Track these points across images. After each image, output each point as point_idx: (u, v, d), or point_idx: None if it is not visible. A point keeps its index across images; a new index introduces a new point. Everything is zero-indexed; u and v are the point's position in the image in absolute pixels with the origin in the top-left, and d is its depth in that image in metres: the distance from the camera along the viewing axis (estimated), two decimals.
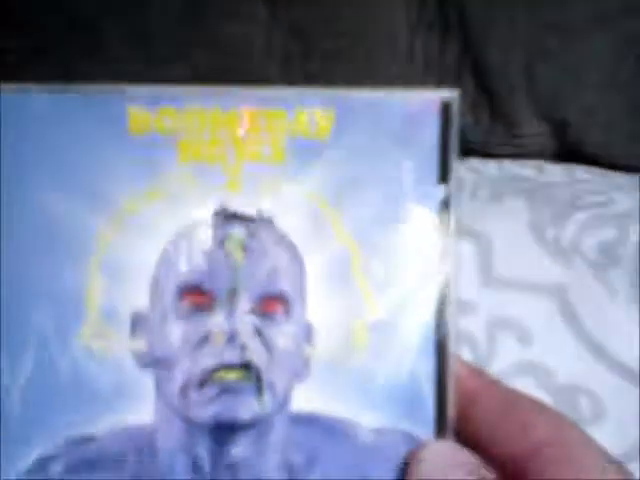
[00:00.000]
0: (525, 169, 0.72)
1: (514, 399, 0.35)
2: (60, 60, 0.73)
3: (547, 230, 0.61)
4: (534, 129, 0.76)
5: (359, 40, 0.73)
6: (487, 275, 0.58)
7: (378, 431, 0.35)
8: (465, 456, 0.33)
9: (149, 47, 0.74)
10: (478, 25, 0.73)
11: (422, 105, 0.36)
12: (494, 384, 0.36)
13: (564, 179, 0.70)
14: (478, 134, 0.74)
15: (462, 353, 0.35)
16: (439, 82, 0.74)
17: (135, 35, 0.74)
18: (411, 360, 0.35)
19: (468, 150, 0.70)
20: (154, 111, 0.35)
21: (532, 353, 0.56)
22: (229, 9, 0.74)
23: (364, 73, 0.74)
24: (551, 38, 0.72)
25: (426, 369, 0.35)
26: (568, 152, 0.76)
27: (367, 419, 0.35)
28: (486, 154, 0.74)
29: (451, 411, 0.35)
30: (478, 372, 0.36)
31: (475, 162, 0.71)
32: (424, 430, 0.35)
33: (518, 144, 0.76)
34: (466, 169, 0.67)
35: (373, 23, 0.72)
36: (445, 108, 0.36)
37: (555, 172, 0.72)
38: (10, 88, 0.35)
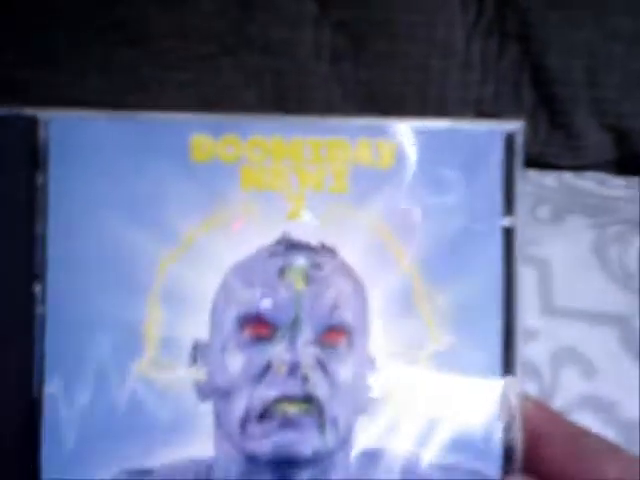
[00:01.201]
0: (586, 182, 0.72)
1: (581, 436, 0.36)
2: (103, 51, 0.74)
3: (611, 251, 0.61)
4: (595, 139, 0.75)
5: (413, 44, 0.73)
6: (548, 303, 0.59)
7: (444, 468, 0.35)
8: None
9: (194, 44, 0.74)
10: (539, 29, 0.73)
11: (487, 136, 0.36)
12: (561, 420, 0.36)
13: (628, 193, 0.70)
14: (536, 144, 0.74)
15: (526, 384, 0.36)
16: (496, 89, 0.74)
17: (181, 31, 0.74)
18: (477, 394, 0.36)
19: (526, 161, 0.70)
20: (217, 139, 0.36)
21: (595, 386, 0.56)
22: (277, 9, 0.74)
23: (418, 77, 0.74)
24: (616, 45, 0.72)
25: (493, 402, 0.35)
26: (629, 163, 0.76)
27: (432, 456, 0.35)
28: (544, 164, 0.74)
29: (519, 447, 0.35)
30: (544, 407, 0.37)
31: (533, 174, 0.71)
32: (491, 468, 0.36)
33: (577, 155, 0.76)
34: (524, 182, 0.66)
35: (428, 26, 0.73)
36: (510, 139, 0.36)
37: (618, 185, 0.71)
38: (74, 115, 0.36)
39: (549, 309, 0.58)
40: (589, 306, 0.59)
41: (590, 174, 0.73)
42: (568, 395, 0.55)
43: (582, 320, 0.58)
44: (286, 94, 0.76)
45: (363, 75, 0.75)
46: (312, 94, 0.76)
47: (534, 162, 0.73)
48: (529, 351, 0.54)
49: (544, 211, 0.65)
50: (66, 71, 0.74)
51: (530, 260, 0.59)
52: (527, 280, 0.55)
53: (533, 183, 0.70)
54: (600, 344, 0.58)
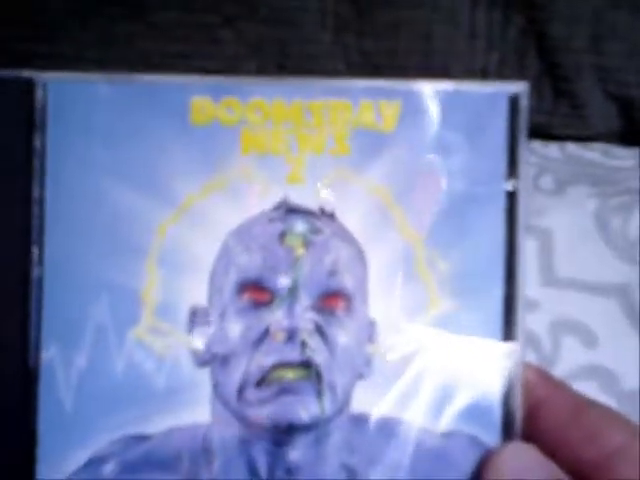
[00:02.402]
0: (590, 152, 0.71)
1: (583, 404, 0.36)
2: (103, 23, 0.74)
3: (613, 221, 0.61)
4: (600, 108, 0.75)
5: (418, 12, 0.72)
6: (549, 274, 0.58)
7: (442, 434, 0.35)
8: (543, 459, 0.34)
9: (195, 14, 0.74)
10: None
11: (490, 98, 0.36)
12: (562, 388, 0.36)
13: (631, 164, 0.69)
14: (541, 114, 0.73)
15: (526, 353, 0.35)
16: (501, 58, 0.73)
17: (181, 2, 0.74)
18: (477, 360, 0.35)
19: (530, 131, 0.70)
20: (217, 102, 0.35)
21: (596, 356, 0.56)
22: None
23: (422, 46, 0.73)
24: (621, 12, 0.72)
25: (493, 370, 0.35)
26: (634, 134, 0.76)
27: (430, 421, 0.35)
28: (548, 135, 0.73)
29: (519, 415, 0.35)
30: (546, 375, 0.36)
31: (537, 145, 0.70)
32: (491, 434, 0.35)
33: (582, 124, 0.75)
34: (528, 152, 0.66)
35: None
36: (514, 101, 0.36)
37: (623, 156, 0.71)
38: (72, 77, 0.36)
39: (550, 279, 0.58)
40: (591, 276, 0.59)
41: (594, 145, 0.73)
42: (568, 365, 0.55)
43: (583, 290, 0.58)
44: (288, 64, 0.75)
45: (367, 44, 0.74)
46: (315, 64, 0.75)
47: (539, 133, 0.73)
48: (529, 321, 0.54)
49: (547, 181, 0.65)
50: (66, 44, 0.73)
51: (532, 230, 0.59)
52: (528, 250, 0.55)
53: (536, 154, 0.69)
54: (601, 314, 0.57)
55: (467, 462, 0.35)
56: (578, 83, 0.74)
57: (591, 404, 0.36)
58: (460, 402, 0.36)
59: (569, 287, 0.58)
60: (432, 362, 0.36)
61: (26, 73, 0.36)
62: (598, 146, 0.72)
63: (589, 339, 0.57)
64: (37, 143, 0.36)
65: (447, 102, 0.36)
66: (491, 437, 0.35)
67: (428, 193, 0.36)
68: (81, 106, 0.36)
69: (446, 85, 0.36)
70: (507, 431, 0.35)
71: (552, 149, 0.71)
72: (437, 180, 0.36)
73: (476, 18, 0.73)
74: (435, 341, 0.36)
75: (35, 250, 0.36)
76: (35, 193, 0.36)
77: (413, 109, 0.36)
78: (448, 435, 0.35)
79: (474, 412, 0.36)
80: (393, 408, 0.35)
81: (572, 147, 0.72)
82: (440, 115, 0.36)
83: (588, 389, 0.37)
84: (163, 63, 0.74)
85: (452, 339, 0.36)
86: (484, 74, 0.73)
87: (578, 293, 0.58)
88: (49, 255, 0.36)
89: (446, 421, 0.36)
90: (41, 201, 0.36)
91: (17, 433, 0.35)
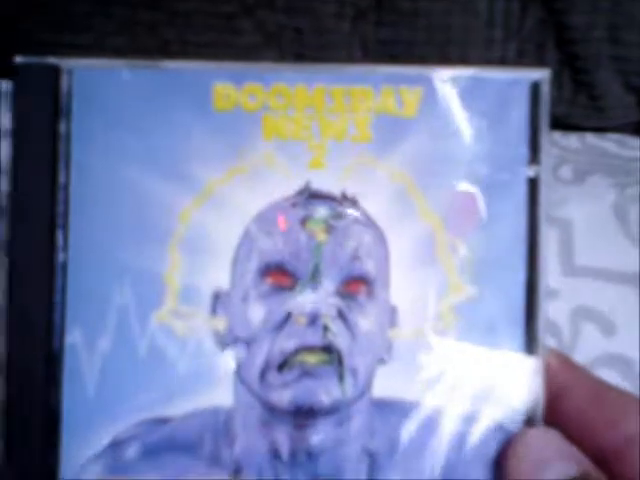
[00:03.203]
0: (608, 143, 0.71)
1: (604, 390, 0.36)
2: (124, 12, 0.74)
3: (631, 212, 0.61)
4: (619, 99, 0.75)
5: (436, 3, 0.72)
6: (568, 263, 0.58)
7: (464, 420, 0.35)
8: (566, 444, 0.34)
9: (214, 3, 0.74)
10: None
11: (512, 84, 0.36)
12: (584, 374, 0.36)
13: None
14: (560, 105, 0.73)
15: (547, 341, 0.35)
16: (520, 49, 0.73)
17: None
18: (499, 345, 0.35)
19: (550, 121, 0.69)
20: (239, 88, 0.35)
21: (615, 344, 0.56)
22: None
23: (440, 37, 0.73)
24: (639, 3, 0.71)
25: (514, 355, 0.35)
26: None
27: (452, 406, 0.35)
28: (568, 126, 0.73)
29: (541, 401, 0.35)
30: (567, 361, 0.36)
31: (557, 135, 0.70)
32: (513, 420, 0.35)
33: (602, 116, 0.75)
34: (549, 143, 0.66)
35: None
36: (535, 88, 0.36)
37: (638, 146, 0.71)
38: (97, 63, 0.36)
39: (570, 268, 0.58)
40: (609, 265, 0.59)
41: (613, 135, 0.73)
42: (588, 353, 0.55)
43: (602, 279, 0.58)
44: (306, 54, 0.75)
45: (385, 34, 0.74)
46: (333, 54, 0.75)
47: (558, 123, 0.73)
48: (549, 309, 0.54)
49: (566, 172, 0.65)
50: (87, 34, 0.73)
51: (551, 220, 0.58)
52: (548, 240, 0.55)
53: (556, 144, 0.69)
54: (619, 303, 0.57)
55: (489, 447, 0.35)
56: (597, 74, 0.74)
57: (612, 390, 0.36)
58: (482, 388, 0.36)
59: (588, 276, 0.58)
60: (453, 349, 0.36)
61: (51, 60, 0.36)
62: (614, 136, 0.72)
63: (608, 327, 0.57)
64: (62, 129, 0.36)
65: (468, 88, 0.36)
66: (513, 423, 0.35)
67: (449, 179, 0.36)
68: (106, 92, 0.36)
69: (467, 72, 0.36)
70: (529, 417, 0.36)
71: (572, 140, 0.71)
72: (457, 165, 0.36)
73: (494, 8, 0.73)
74: (456, 327, 0.36)
75: (59, 235, 0.36)
76: (60, 178, 0.36)
77: (434, 95, 0.36)
78: (469, 420, 0.36)
79: (496, 398, 0.36)
80: (415, 393, 0.36)
81: (591, 137, 0.72)
82: (461, 101, 0.36)
83: (607, 377, 0.37)
84: (183, 52, 0.74)
85: (473, 326, 0.36)
86: (502, 65, 0.73)
87: (597, 282, 0.58)
88: (73, 240, 0.36)
89: (469, 407, 0.36)
90: (66, 186, 0.36)
91: (41, 416, 0.36)
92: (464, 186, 0.36)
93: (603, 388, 0.36)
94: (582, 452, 0.34)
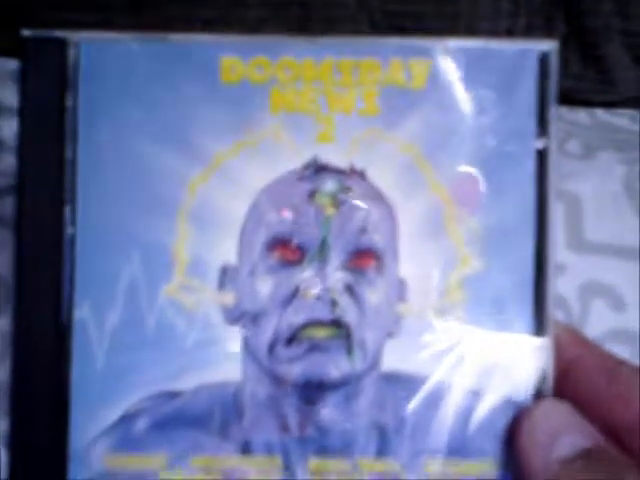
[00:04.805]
0: (618, 118, 0.71)
1: (615, 364, 0.36)
2: None
3: None
4: (627, 73, 0.74)
5: None
6: (577, 238, 0.58)
7: (472, 393, 0.35)
8: (577, 416, 0.34)
9: None
10: None
11: (520, 56, 0.36)
12: (594, 348, 0.36)
13: None
14: (568, 79, 0.73)
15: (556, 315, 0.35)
16: (528, 22, 0.73)
17: None
18: (507, 318, 0.35)
19: (558, 96, 0.69)
20: (247, 61, 0.35)
21: (625, 320, 0.56)
22: None
23: (448, 9, 0.73)
24: None
25: (523, 328, 0.35)
26: None
27: (461, 380, 0.35)
28: (576, 101, 0.73)
29: (550, 375, 0.35)
30: (577, 335, 0.36)
31: (564, 110, 0.70)
32: (523, 394, 0.35)
33: (610, 90, 0.75)
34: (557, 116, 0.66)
35: None
36: (543, 60, 0.36)
37: None
38: (103, 37, 0.36)
39: (578, 244, 0.58)
40: (619, 240, 0.58)
41: (623, 110, 0.72)
42: (597, 328, 0.55)
43: (611, 254, 0.58)
44: (312, 28, 0.75)
45: (392, 7, 0.74)
46: (339, 27, 0.75)
47: (566, 98, 0.72)
48: (558, 284, 0.54)
49: (575, 147, 0.65)
50: (94, 11, 0.73)
51: (560, 195, 0.58)
52: (556, 215, 0.55)
53: (564, 119, 0.69)
54: (629, 278, 0.57)
55: (499, 421, 0.35)
56: (605, 48, 0.73)
57: (623, 365, 0.36)
58: (491, 361, 0.36)
59: (597, 251, 0.58)
60: (461, 322, 0.36)
61: (58, 33, 0.36)
62: (626, 112, 0.72)
63: (617, 303, 0.57)
64: (69, 103, 0.36)
65: (477, 60, 0.36)
66: (523, 397, 0.36)
67: (457, 151, 0.36)
68: (113, 65, 0.36)
69: (476, 43, 0.36)
70: (539, 390, 0.36)
71: (580, 115, 0.71)
72: (467, 138, 0.36)
73: None
74: (465, 300, 0.36)
75: (68, 209, 0.36)
76: (67, 152, 0.36)
77: (443, 67, 0.36)
78: (478, 394, 0.36)
79: (505, 371, 0.36)
80: (424, 367, 0.36)
81: (600, 113, 0.71)
82: (470, 73, 0.36)
83: (617, 352, 0.37)
84: (188, 28, 0.74)
85: (481, 298, 0.36)
86: (510, 38, 0.73)
87: (606, 257, 0.58)
88: (81, 214, 0.36)
89: (478, 380, 0.36)
90: (73, 160, 0.36)
91: (50, 391, 0.36)
92: (465, 168, 0.36)
93: (614, 363, 0.36)
94: (593, 425, 0.34)
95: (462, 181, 0.36)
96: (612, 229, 0.59)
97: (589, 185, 0.61)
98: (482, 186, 0.36)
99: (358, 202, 0.36)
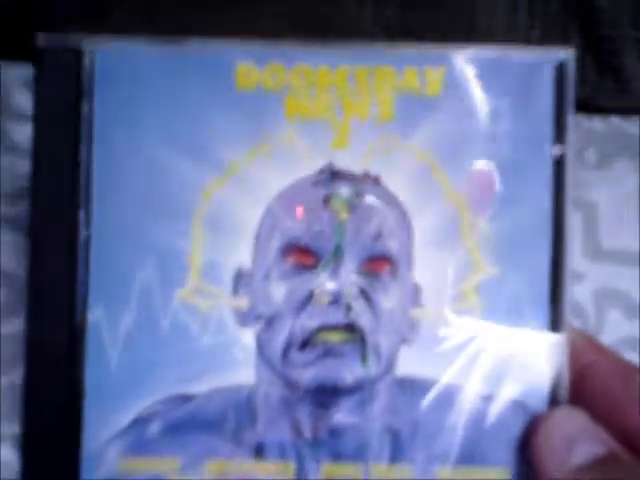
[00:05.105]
0: (633, 126, 0.71)
1: (631, 370, 0.36)
2: None
3: None
4: None
5: None
6: (593, 246, 0.58)
7: (487, 399, 0.35)
8: (592, 423, 0.34)
9: None
10: None
11: (536, 64, 0.36)
12: (609, 354, 0.36)
13: None
14: (584, 88, 0.73)
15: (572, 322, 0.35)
16: (543, 32, 0.73)
17: None
18: (523, 324, 0.35)
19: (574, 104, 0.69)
20: (262, 67, 0.36)
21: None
22: None
23: (464, 20, 0.73)
24: None
25: (539, 334, 0.35)
26: None
27: (475, 386, 0.35)
28: (593, 109, 0.73)
29: (565, 381, 0.35)
30: (593, 341, 0.36)
31: (580, 118, 0.70)
32: (537, 400, 0.35)
33: (627, 98, 0.74)
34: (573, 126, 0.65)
35: None
36: (561, 67, 0.36)
37: None
38: (119, 43, 0.36)
39: (594, 252, 0.58)
40: (634, 249, 0.58)
41: (637, 118, 0.72)
42: (612, 335, 0.55)
43: (627, 262, 0.58)
44: (329, 36, 0.75)
45: (407, 19, 0.74)
46: (356, 39, 0.75)
47: (582, 106, 0.72)
48: (574, 292, 0.54)
49: (591, 155, 0.65)
50: (113, 18, 0.73)
51: (576, 203, 0.58)
52: (573, 223, 0.55)
53: (580, 127, 0.69)
54: None
55: (513, 426, 0.35)
56: (621, 57, 0.73)
57: (637, 368, 0.36)
58: (506, 367, 0.36)
59: (613, 260, 0.58)
60: (477, 328, 0.36)
61: (73, 40, 0.36)
62: None
63: (632, 311, 0.56)
64: (85, 109, 0.36)
65: (492, 68, 0.36)
66: (538, 402, 0.36)
67: (473, 158, 0.36)
68: (128, 72, 0.36)
69: (491, 51, 0.36)
70: (554, 397, 0.36)
71: (596, 123, 0.70)
72: (483, 145, 0.36)
73: None
74: (480, 307, 0.36)
75: (82, 213, 0.36)
76: (83, 157, 0.36)
77: (458, 75, 0.36)
78: (492, 399, 0.36)
79: (521, 378, 0.36)
80: (439, 373, 0.36)
81: (616, 121, 0.71)
82: (485, 81, 0.36)
83: (632, 360, 0.37)
84: (204, 36, 0.74)
85: (497, 305, 0.36)
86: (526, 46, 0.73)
87: (622, 266, 0.58)
88: (96, 217, 0.36)
89: (493, 386, 0.36)
90: (88, 165, 0.36)
91: (64, 393, 0.36)
92: (481, 164, 0.36)
93: (630, 369, 0.36)
94: (608, 432, 0.34)
95: (477, 178, 0.36)
96: (628, 237, 0.59)
97: (605, 193, 0.61)
98: (497, 184, 0.36)
99: (373, 207, 0.36)
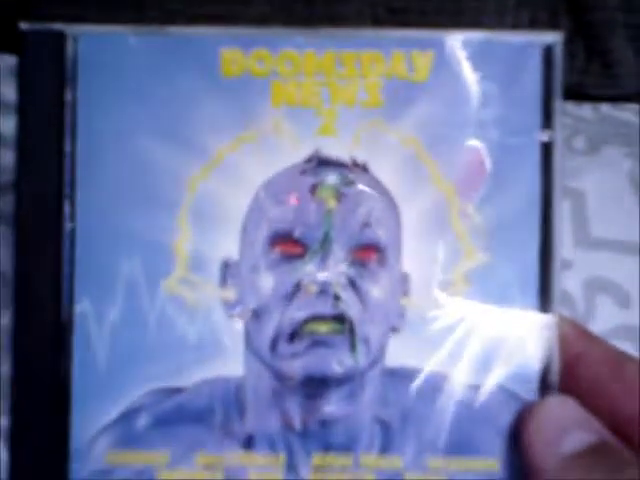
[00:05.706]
0: (623, 113, 0.70)
1: (621, 358, 0.36)
2: None
3: None
4: (632, 67, 0.74)
5: None
6: (582, 234, 0.58)
7: (477, 388, 0.35)
8: (583, 412, 0.34)
9: None
10: None
11: (524, 48, 0.36)
12: (599, 342, 0.36)
13: None
14: (573, 73, 0.73)
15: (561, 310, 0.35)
16: (532, 17, 0.72)
17: None
18: (512, 312, 0.35)
19: (563, 90, 0.69)
20: (247, 53, 0.35)
21: (630, 316, 0.56)
22: None
23: (452, 5, 0.73)
24: None
25: (528, 322, 0.35)
26: None
27: (465, 375, 0.35)
28: (581, 96, 0.73)
29: (555, 369, 0.35)
30: (582, 329, 0.36)
31: (569, 105, 0.70)
32: (527, 388, 0.35)
33: (615, 84, 0.74)
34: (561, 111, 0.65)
35: None
36: (548, 52, 0.35)
37: None
38: (102, 30, 0.36)
39: (583, 239, 0.58)
40: (624, 236, 0.58)
41: (628, 105, 0.72)
42: (602, 324, 0.55)
43: (617, 250, 0.58)
44: (316, 24, 0.75)
45: (395, 3, 0.74)
46: (343, 24, 0.75)
47: (571, 93, 0.72)
48: (563, 280, 0.53)
49: (580, 142, 0.64)
50: (97, 7, 0.73)
51: (565, 191, 0.58)
52: (562, 210, 0.55)
53: (569, 114, 0.69)
54: (634, 274, 0.57)
55: (503, 415, 0.35)
56: (610, 42, 0.73)
57: (629, 358, 0.36)
58: (496, 356, 0.35)
59: (602, 247, 0.58)
60: (466, 316, 0.36)
61: (57, 26, 0.36)
62: (632, 106, 0.72)
63: (622, 299, 0.56)
64: (68, 96, 0.36)
65: (480, 52, 0.36)
66: (528, 391, 0.35)
67: (461, 144, 0.36)
68: (112, 59, 0.36)
69: (479, 35, 0.36)
70: (544, 385, 0.35)
71: (585, 110, 0.70)
72: (470, 130, 0.36)
73: None
74: (469, 294, 0.36)
75: (67, 204, 0.36)
76: (67, 147, 0.36)
77: (446, 59, 0.36)
78: (482, 388, 0.35)
79: (511, 366, 0.35)
80: (428, 362, 0.35)
81: (606, 107, 0.71)
82: (473, 65, 0.36)
83: (622, 349, 0.37)
84: (191, 24, 0.73)
85: (486, 292, 0.36)
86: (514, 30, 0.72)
87: (612, 253, 0.58)
88: (81, 209, 0.36)
89: (482, 375, 0.35)
90: (72, 154, 0.36)
91: (51, 386, 0.35)
92: (470, 147, 0.36)
93: (620, 356, 0.36)
94: (599, 420, 0.34)
95: (467, 162, 0.36)
96: (618, 225, 0.59)
97: (594, 180, 0.61)
98: (487, 165, 0.35)
99: (361, 195, 0.36)
